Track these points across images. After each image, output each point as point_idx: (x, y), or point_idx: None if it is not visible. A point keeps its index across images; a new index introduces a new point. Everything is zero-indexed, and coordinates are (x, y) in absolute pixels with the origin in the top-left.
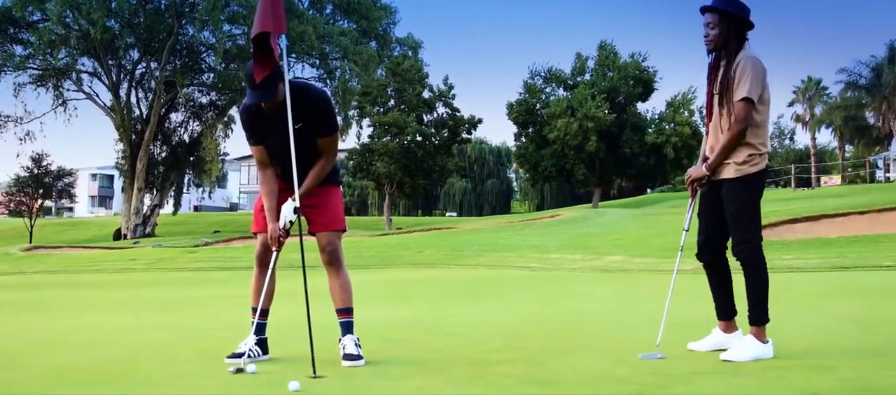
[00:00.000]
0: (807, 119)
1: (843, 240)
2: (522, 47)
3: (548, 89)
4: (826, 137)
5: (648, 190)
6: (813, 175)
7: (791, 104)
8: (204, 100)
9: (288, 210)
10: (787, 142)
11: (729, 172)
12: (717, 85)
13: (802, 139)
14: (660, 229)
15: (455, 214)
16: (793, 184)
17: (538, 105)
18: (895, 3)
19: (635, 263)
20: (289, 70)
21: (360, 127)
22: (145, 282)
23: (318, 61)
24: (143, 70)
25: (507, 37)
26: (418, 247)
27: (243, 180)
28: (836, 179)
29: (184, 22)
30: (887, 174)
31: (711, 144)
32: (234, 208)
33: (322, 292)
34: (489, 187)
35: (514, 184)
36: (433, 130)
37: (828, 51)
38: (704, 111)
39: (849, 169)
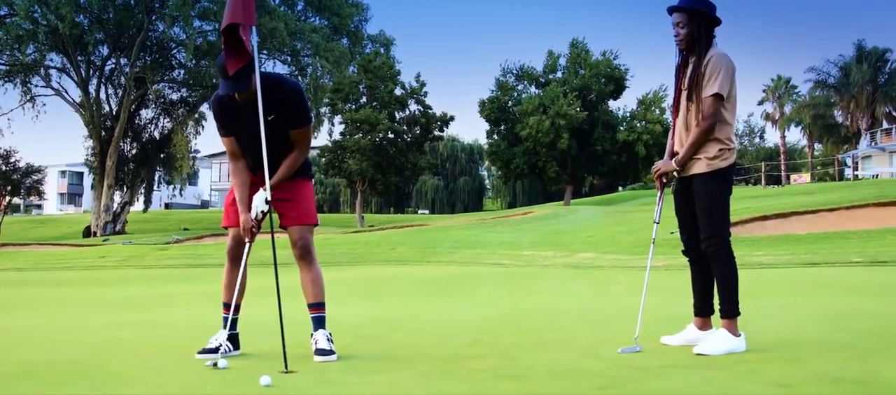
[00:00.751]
0: (776, 117)
1: (813, 237)
2: (494, 45)
3: (520, 87)
4: (795, 136)
5: (620, 188)
6: (783, 173)
7: (761, 103)
8: (174, 96)
9: (259, 201)
10: (757, 140)
11: (700, 167)
12: (686, 81)
13: (772, 138)
14: (631, 227)
15: (427, 211)
16: (763, 182)
17: (510, 103)
18: (863, 3)
19: (606, 259)
20: (260, 67)
21: (332, 124)
22: (115, 280)
23: (289, 58)
24: (113, 66)
25: (479, 34)
26: (390, 244)
27: (214, 177)
28: (805, 177)
29: (154, 18)
30: (856, 172)
31: (680, 139)
32: (205, 205)
33: (294, 287)
34: (461, 185)
35: (487, 181)
36: (405, 128)
37: (797, 50)
38: (672, 108)
39: (818, 167)
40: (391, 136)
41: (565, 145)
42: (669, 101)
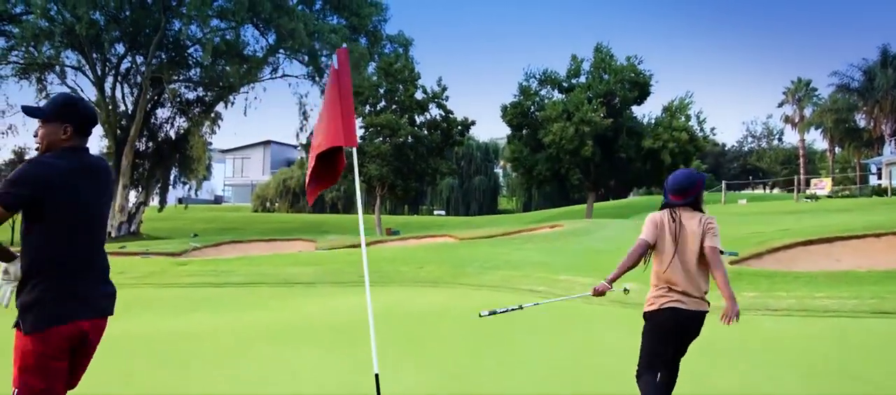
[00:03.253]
0: (796, 120)
1: (875, 275)
2: (512, 45)
3: (543, 91)
4: (811, 138)
5: (632, 192)
6: (802, 176)
7: (780, 105)
8: (190, 96)
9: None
10: (775, 142)
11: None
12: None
13: (789, 139)
14: None
15: (443, 212)
16: (796, 190)
17: (533, 108)
18: (887, 6)
19: (641, 291)
20: (279, 67)
21: None
22: (132, 303)
23: (306, 58)
24: (129, 65)
25: (498, 35)
26: (418, 262)
27: (228, 173)
28: (826, 182)
29: (171, 16)
30: (880, 181)
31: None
32: (218, 200)
33: None
34: (477, 184)
35: (501, 180)
36: (426, 133)
37: (817, 53)
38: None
39: (837, 171)
40: (412, 141)
41: (589, 153)
42: (695, 108)
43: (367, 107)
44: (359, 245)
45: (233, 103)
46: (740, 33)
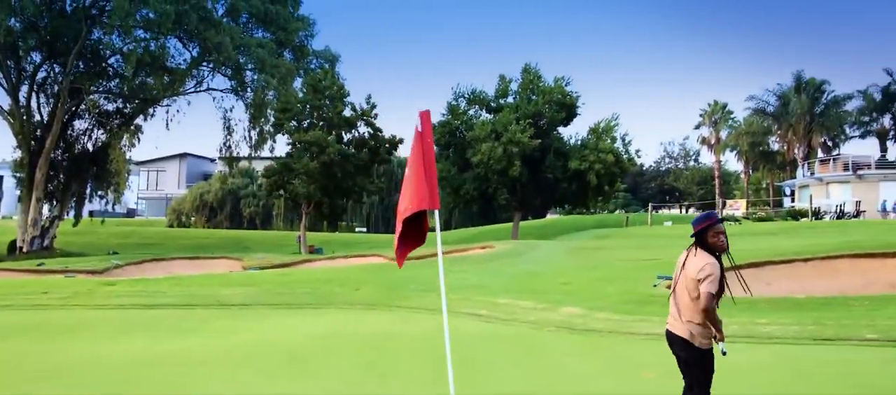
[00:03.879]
0: (712, 142)
1: (814, 301)
2: (438, 62)
3: (471, 111)
4: (726, 159)
5: (550, 212)
6: (718, 197)
7: (697, 127)
8: (110, 107)
9: None
10: (691, 163)
11: None
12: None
13: (705, 160)
14: (604, 272)
15: (364, 229)
16: (720, 215)
17: (462, 127)
18: (803, 32)
19: (598, 319)
20: (203, 81)
21: (274, 141)
22: (67, 326)
23: (230, 72)
24: (46, 74)
25: (416, 49)
26: (353, 283)
27: (142, 186)
28: (740, 203)
29: (92, 26)
30: (793, 203)
31: None
32: (131, 214)
33: None
34: (397, 201)
35: None
36: (353, 150)
37: (733, 76)
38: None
39: (751, 193)
40: (339, 158)
41: (517, 173)
42: (621, 130)
43: (294, 123)
44: (287, 265)
45: (152, 116)
46: (661, 56)
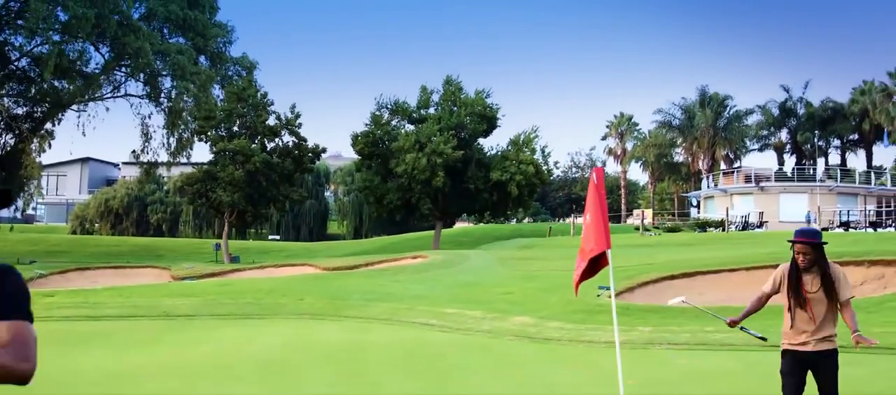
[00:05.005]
0: (618, 153)
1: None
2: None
3: (394, 121)
4: (632, 170)
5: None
6: (623, 208)
7: (604, 138)
8: (19, 111)
9: None
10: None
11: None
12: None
13: (611, 170)
14: (542, 282)
15: (277, 237)
16: (642, 228)
17: (385, 137)
18: (704, 49)
19: (551, 328)
20: (120, 86)
21: (191, 149)
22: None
23: (145, 78)
24: None
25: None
26: (296, 294)
27: (41, 190)
28: (646, 212)
29: (6, 29)
30: (699, 213)
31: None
32: (29, 220)
33: None
34: (307, 208)
35: (332, 204)
36: (278, 159)
37: (641, 89)
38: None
39: (656, 203)
40: (264, 167)
41: (440, 183)
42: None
43: (218, 131)
44: (217, 274)
45: (60, 120)
46: (571, 69)
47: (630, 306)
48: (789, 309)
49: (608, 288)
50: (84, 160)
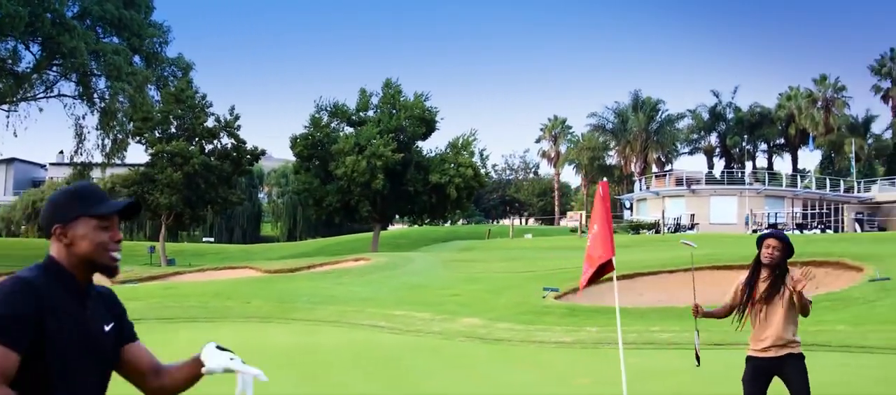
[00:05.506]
0: (552, 155)
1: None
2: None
3: (333, 124)
4: (565, 173)
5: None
6: (557, 211)
7: (538, 140)
8: None
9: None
10: (531, 175)
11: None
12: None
13: (544, 171)
14: (487, 284)
15: (211, 239)
16: (580, 230)
17: (325, 140)
18: (636, 56)
19: (501, 329)
20: (52, 86)
21: (125, 151)
22: None
23: (77, 77)
24: None
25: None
26: (242, 297)
27: None
28: (579, 215)
29: None
30: (632, 216)
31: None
32: None
33: None
34: (240, 210)
35: (264, 206)
36: (217, 161)
37: (571, 92)
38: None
39: (588, 206)
40: (201, 169)
41: (380, 185)
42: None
43: (155, 132)
44: (156, 277)
45: None
46: (506, 72)
47: (576, 307)
48: (739, 315)
49: (554, 289)
50: (9, 161)
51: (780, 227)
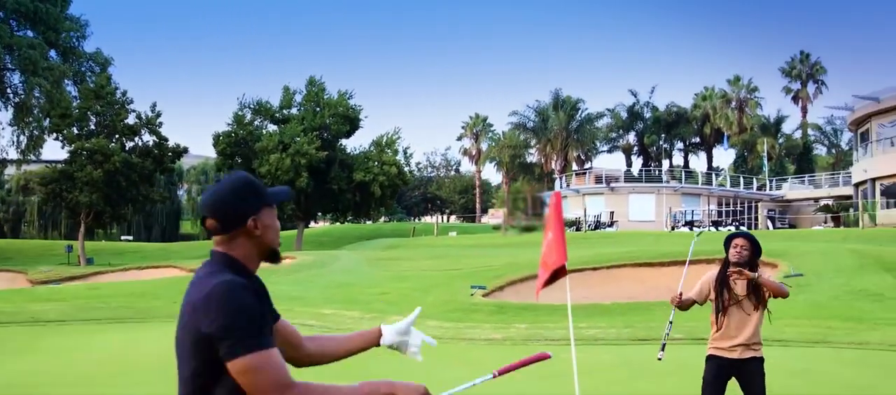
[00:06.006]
0: (473, 153)
1: (620, 307)
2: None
3: (256, 122)
4: (487, 170)
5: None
6: (478, 209)
7: (460, 138)
8: None
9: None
10: (452, 173)
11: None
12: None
13: (465, 169)
14: (415, 282)
15: (130, 237)
16: (504, 228)
17: (248, 138)
18: (556, 54)
19: (431, 328)
20: None
21: (40, 148)
22: None
23: None
24: None
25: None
26: (170, 297)
27: None
28: (501, 212)
29: None
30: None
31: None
32: None
33: None
34: (159, 209)
35: (184, 204)
36: (139, 159)
37: (494, 90)
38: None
39: (511, 203)
40: (122, 167)
41: (304, 183)
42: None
43: (72, 128)
44: (80, 277)
45: None
46: (427, 71)
47: (504, 304)
48: (716, 314)
49: (482, 287)
50: None
51: (696, 224)
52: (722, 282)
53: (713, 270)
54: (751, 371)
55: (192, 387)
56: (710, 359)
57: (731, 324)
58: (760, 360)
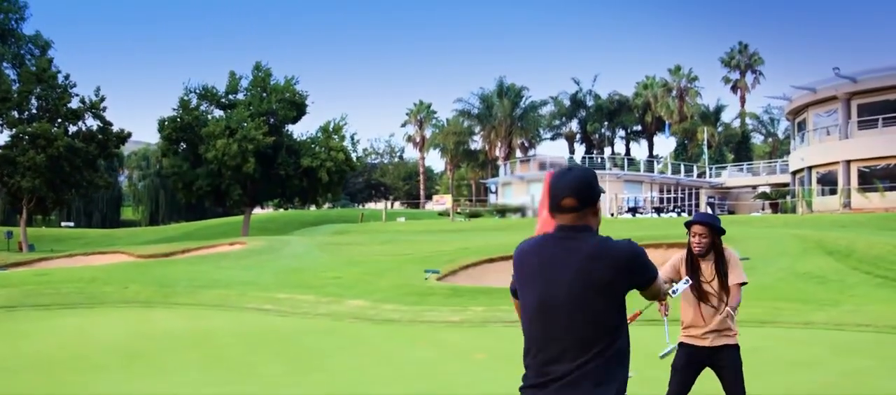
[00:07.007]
0: (418, 140)
1: None
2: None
3: (202, 106)
4: (431, 157)
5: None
6: (422, 195)
7: (404, 125)
8: None
9: None
10: (396, 159)
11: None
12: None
13: (409, 156)
14: (367, 267)
15: (72, 224)
16: (452, 214)
17: (194, 123)
18: (500, 42)
19: (387, 310)
20: None
21: None
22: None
23: None
24: None
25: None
26: (119, 282)
27: None
28: (445, 198)
29: None
30: (497, 199)
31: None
32: None
33: None
34: (100, 195)
35: (125, 190)
36: (82, 144)
37: (442, 77)
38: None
39: (455, 189)
40: (66, 151)
41: (251, 169)
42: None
43: (13, 111)
44: (25, 263)
45: None
46: (371, 58)
47: (458, 287)
48: (686, 300)
49: (436, 271)
50: None
51: (639, 210)
52: (693, 268)
53: (683, 250)
54: (725, 360)
55: (596, 324)
56: (681, 346)
57: (699, 311)
58: (734, 347)
